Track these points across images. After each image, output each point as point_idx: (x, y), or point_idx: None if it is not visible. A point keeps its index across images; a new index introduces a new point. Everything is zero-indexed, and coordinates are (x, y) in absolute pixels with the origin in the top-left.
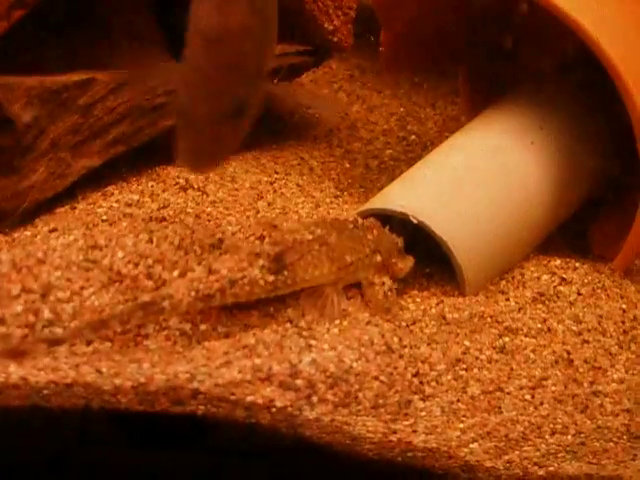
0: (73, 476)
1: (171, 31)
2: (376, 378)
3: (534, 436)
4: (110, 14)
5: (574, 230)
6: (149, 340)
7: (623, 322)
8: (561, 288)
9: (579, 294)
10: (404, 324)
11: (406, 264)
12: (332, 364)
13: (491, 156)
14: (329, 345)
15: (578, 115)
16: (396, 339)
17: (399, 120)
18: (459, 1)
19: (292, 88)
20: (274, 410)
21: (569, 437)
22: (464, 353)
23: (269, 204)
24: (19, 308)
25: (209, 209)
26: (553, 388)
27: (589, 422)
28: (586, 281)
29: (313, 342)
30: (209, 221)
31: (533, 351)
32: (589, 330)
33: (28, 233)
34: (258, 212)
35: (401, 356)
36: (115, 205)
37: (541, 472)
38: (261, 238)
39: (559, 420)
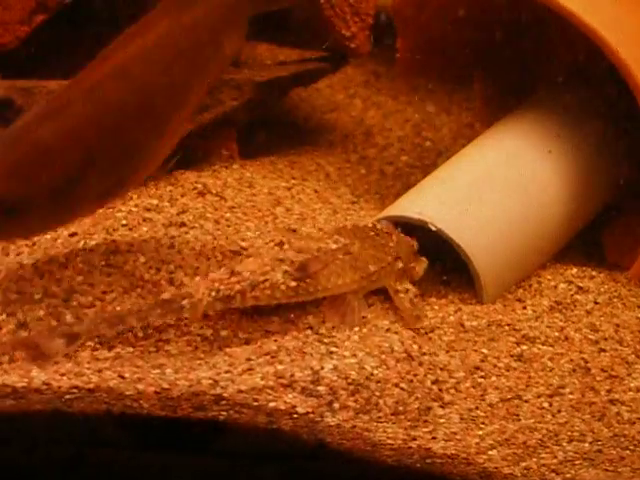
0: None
1: None
2: (396, 385)
3: (552, 443)
4: (127, 18)
5: (589, 238)
6: (170, 345)
7: None
8: (578, 297)
9: (596, 303)
10: (423, 331)
11: (421, 266)
12: (353, 371)
13: (509, 164)
14: (350, 352)
15: (595, 122)
16: (415, 346)
17: (414, 126)
18: (476, 8)
19: None
20: (296, 416)
21: (586, 445)
22: (482, 361)
23: (287, 210)
24: (41, 312)
25: (228, 214)
26: (570, 396)
27: (606, 430)
28: (603, 290)
29: (334, 349)
30: (228, 227)
31: (550, 359)
32: (606, 339)
33: (48, 237)
34: (276, 218)
35: (421, 363)
36: (134, 209)
37: (558, 479)
38: (280, 244)
39: (576, 428)
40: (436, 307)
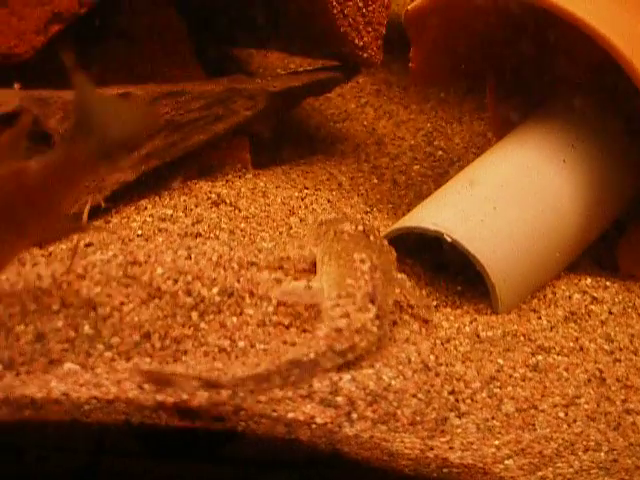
0: None
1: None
2: (414, 395)
3: (567, 453)
4: (140, 28)
5: (603, 248)
6: (188, 356)
7: None
8: (592, 307)
9: (610, 313)
10: (439, 342)
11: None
12: (371, 382)
13: (524, 175)
14: (367, 363)
15: (609, 132)
16: (432, 357)
17: (426, 135)
18: (488, 17)
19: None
20: (314, 426)
21: (602, 454)
22: (498, 371)
23: (301, 220)
24: (59, 323)
25: (242, 225)
26: (586, 406)
27: (621, 439)
28: (617, 300)
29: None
30: (243, 237)
31: (566, 369)
32: (621, 349)
33: (64, 247)
34: (291, 228)
35: (437, 374)
36: (149, 220)
37: None
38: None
39: (592, 437)
40: (452, 317)
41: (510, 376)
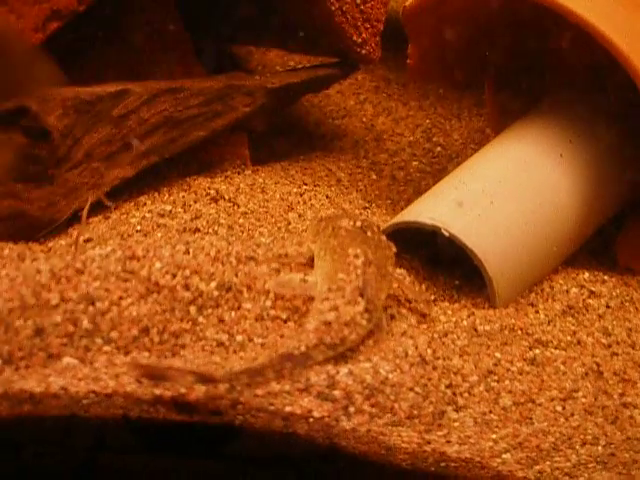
0: None
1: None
2: (411, 389)
3: (565, 447)
4: (140, 24)
5: (601, 242)
6: (186, 350)
7: None
8: (590, 301)
9: (608, 307)
10: (436, 336)
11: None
12: (368, 375)
13: (521, 169)
14: (365, 356)
15: (607, 128)
16: (430, 351)
17: (425, 132)
18: (486, 14)
19: None
20: (311, 420)
21: (599, 448)
22: (495, 365)
23: (299, 215)
24: (58, 318)
25: (241, 220)
26: (583, 400)
27: (619, 433)
28: (614, 294)
29: (349, 353)
30: (242, 232)
31: (563, 363)
32: (618, 343)
33: (63, 242)
34: (289, 224)
35: (434, 368)
36: (148, 215)
37: None
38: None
39: (589, 431)
40: (449, 312)
41: (507, 370)
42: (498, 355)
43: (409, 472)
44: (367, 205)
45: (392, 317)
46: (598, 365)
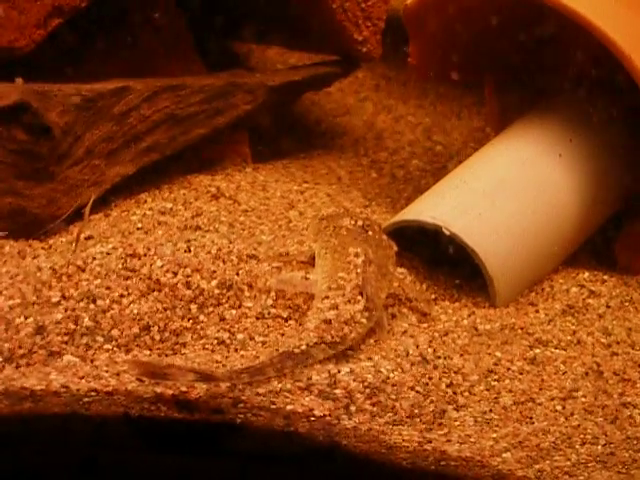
0: None
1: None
2: (412, 388)
3: (565, 446)
4: (141, 21)
5: (600, 242)
6: (187, 348)
7: None
8: (590, 301)
9: (608, 307)
10: (437, 335)
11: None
12: (370, 374)
13: (521, 169)
14: (365, 355)
15: (607, 127)
16: (430, 350)
17: (425, 130)
18: (487, 12)
19: None
20: (313, 419)
21: (599, 447)
22: (496, 364)
23: (300, 213)
24: (59, 316)
25: (242, 218)
26: (583, 399)
27: (618, 433)
28: (614, 294)
29: (350, 352)
30: (243, 230)
31: (563, 363)
32: (618, 342)
33: (63, 240)
34: (290, 222)
35: (435, 367)
36: (149, 213)
37: None
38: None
39: (589, 430)
40: (450, 311)
41: (508, 369)
42: (498, 354)
43: (409, 471)
44: (367, 203)
45: (393, 316)
46: (598, 365)
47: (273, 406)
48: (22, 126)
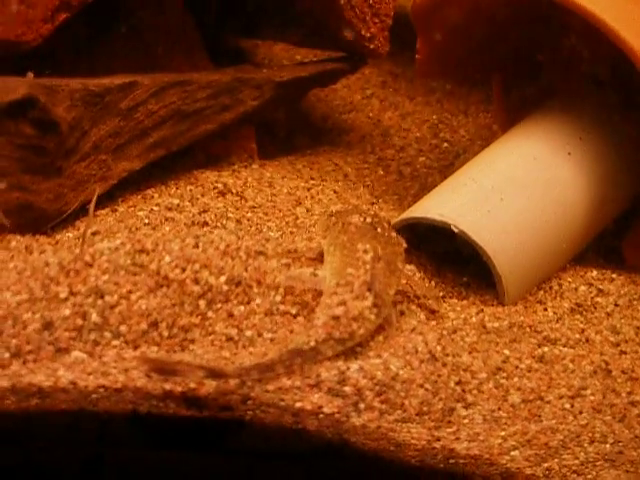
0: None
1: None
2: (421, 386)
3: (573, 444)
4: (147, 17)
5: (608, 241)
6: (195, 345)
7: None
8: (598, 299)
9: (616, 305)
10: (446, 332)
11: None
12: (379, 371)
13: (530, 167)
14: (375, 352)
15: (616, 125)
16: (439, 347)
17: (432, 127)
18: (495, 10)
19: None
20: (322, 416)
21: (607, 446)
22: (504, 362)
23: (307, 210)
24: (67, 311)
25: (249, 214)
26: (592, 398)
27: (627, 431)
28: (623, 292)
29: (359, 349)
30: (250, 226)
31: (572, 361)
32: (626, 341)
33: (70, 235)
34: (297, 218)
35: (444, 364)
36: (155, 209)
37: None
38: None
39: (598, 429)
40: (458, 308)
41: (516, 367)
42: (507, 352)
43: (418, 468)
44: (374, 200)
45: (402, 313)
46: (606, 363)
47: (282, 403)
48: (29, 121)
